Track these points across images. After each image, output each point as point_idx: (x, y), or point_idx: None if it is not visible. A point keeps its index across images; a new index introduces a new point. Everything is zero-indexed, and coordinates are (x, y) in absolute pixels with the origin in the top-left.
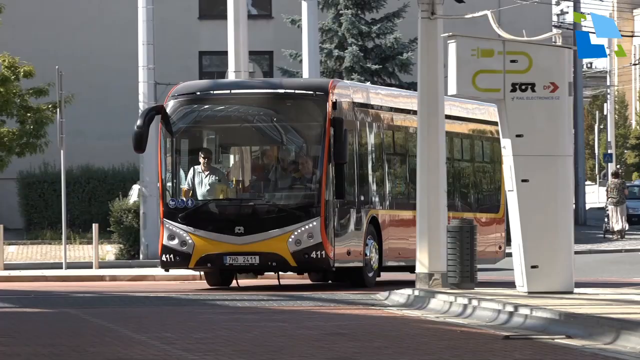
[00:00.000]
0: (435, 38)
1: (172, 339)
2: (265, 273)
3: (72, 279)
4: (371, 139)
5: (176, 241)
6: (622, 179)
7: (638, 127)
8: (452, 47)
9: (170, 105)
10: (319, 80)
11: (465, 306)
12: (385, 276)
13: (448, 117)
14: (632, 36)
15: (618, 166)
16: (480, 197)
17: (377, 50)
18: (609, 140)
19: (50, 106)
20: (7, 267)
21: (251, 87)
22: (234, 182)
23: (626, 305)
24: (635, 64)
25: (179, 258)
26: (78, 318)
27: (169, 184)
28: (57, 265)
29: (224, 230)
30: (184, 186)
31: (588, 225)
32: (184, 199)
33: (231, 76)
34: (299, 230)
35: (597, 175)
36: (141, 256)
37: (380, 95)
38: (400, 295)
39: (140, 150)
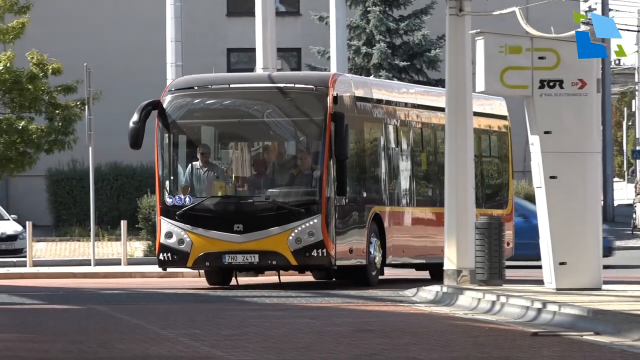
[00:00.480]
0: (463, 35)
1: (200, 336)
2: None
3: (100, 276)
4: (374, 134)
5: (174, 239)
6: None
7: None
8: (480, 43)
9: (167, 100)
10: (320, 74)
11: (493, 303)
12: (389, 273)
13: None
14: None
15: None
16: (488, 193)
17: (405, 47)
18: (637, 136)
19: (78, 103)
20: (36, 263)
21: (250, 81)
22: (233, 178)
23: None
24: None
25: (177, 257)
26: (106, 315)
27: (167, 180)
28: (86, 262)
29: (223, 228)
30: (182, 183)
31: (616, 221)
32: (182, 196)
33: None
34: (300, 228)
35: (626, 172)
36: None
37: (382, 90)
38: (429, 291)
39: (136, 146)
